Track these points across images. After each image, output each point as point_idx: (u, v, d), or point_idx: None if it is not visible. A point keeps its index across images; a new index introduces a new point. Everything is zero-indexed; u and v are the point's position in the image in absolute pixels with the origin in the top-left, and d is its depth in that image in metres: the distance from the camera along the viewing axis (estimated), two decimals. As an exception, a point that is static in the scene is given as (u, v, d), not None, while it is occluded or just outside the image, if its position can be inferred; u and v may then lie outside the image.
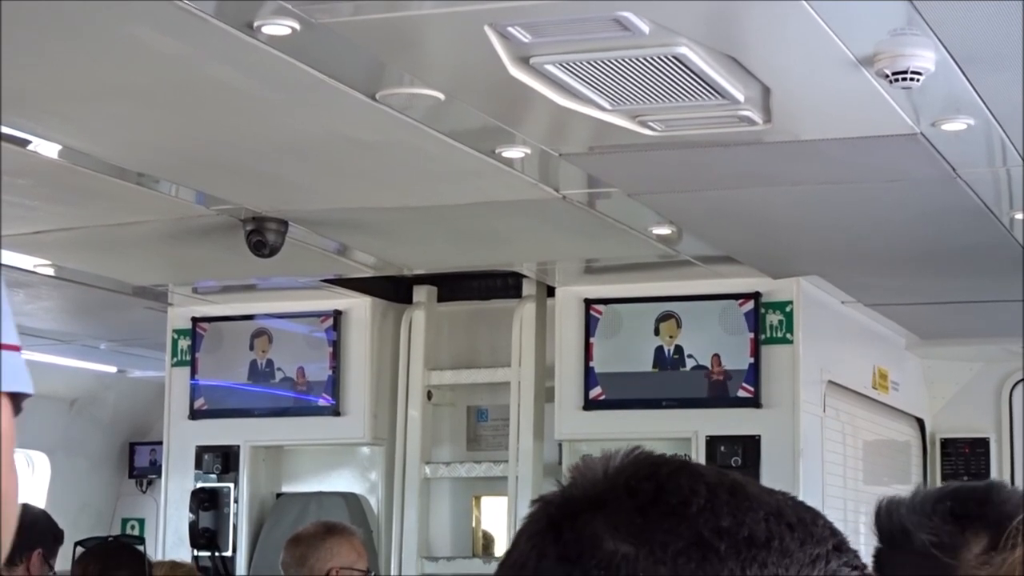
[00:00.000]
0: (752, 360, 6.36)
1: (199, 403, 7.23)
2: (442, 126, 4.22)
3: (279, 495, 7.30)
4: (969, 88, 3.83)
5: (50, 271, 6.40)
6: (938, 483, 7.98)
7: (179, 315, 7.29)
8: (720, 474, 1.13)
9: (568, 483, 1.15)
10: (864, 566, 1.12)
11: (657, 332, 6.49)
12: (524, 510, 1.20)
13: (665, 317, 6.48)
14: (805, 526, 1.10)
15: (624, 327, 6.55)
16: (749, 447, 6.33)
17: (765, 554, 1.08)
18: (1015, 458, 7.94)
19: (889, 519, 1.86)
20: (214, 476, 7.14)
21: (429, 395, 7.04)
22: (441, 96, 3.92)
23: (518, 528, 1.14)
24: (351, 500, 7.11)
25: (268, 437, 7.18)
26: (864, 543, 7.25)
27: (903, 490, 7.26)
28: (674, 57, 3.57)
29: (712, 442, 6.39)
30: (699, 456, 6.28)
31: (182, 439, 7.25)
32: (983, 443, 7.98)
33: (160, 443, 7.54)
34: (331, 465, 7.35)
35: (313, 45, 3.55)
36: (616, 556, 1.07)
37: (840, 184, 4.87)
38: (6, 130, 4.30)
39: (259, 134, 4.40)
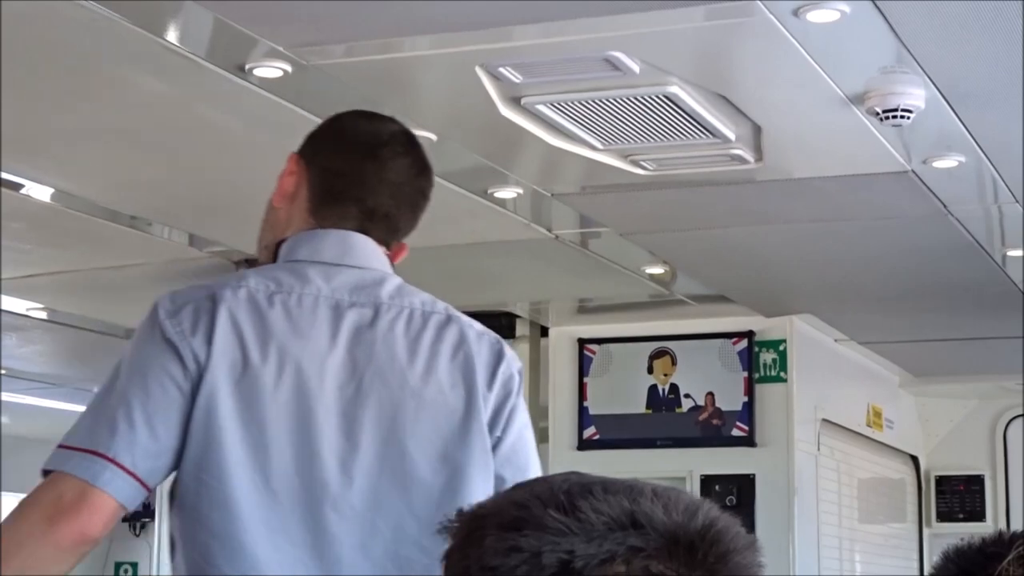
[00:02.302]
0: (746, 399, 6.35)
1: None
2: (434, 167, 4.21)
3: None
4: (960, 125, 3.84)
5: (43, 314, 6.39)
6: (933, 521, 7.96)
7: (172, 358, 7.26)
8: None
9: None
10: None
11: (651, 371, 6.49)
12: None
13: (659, 354, 6.48)
14: None
15: (618, 367, 6.54)
16: (744, 486, 6.32)
17: None
18: (1010, 495, 7.92)
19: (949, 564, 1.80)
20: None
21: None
22: (433, 137, 3.93)
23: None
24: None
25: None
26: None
27: (899, 528, 7.23)
28: (665, 96, 3.58)
29: (707, 481, 6.37)
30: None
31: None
32: (978, 480, 7.97)
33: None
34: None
35: (305, 87, 3.55)
36: None
37: (832, 222, 4.87)
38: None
39: (251, 176, 4.38)
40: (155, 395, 2.25)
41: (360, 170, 2.51)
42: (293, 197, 2.54)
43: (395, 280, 2.47)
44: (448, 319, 2.44)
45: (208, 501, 2.24)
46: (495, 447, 2.40)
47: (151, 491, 2.29)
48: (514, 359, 2.48)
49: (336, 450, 2.29)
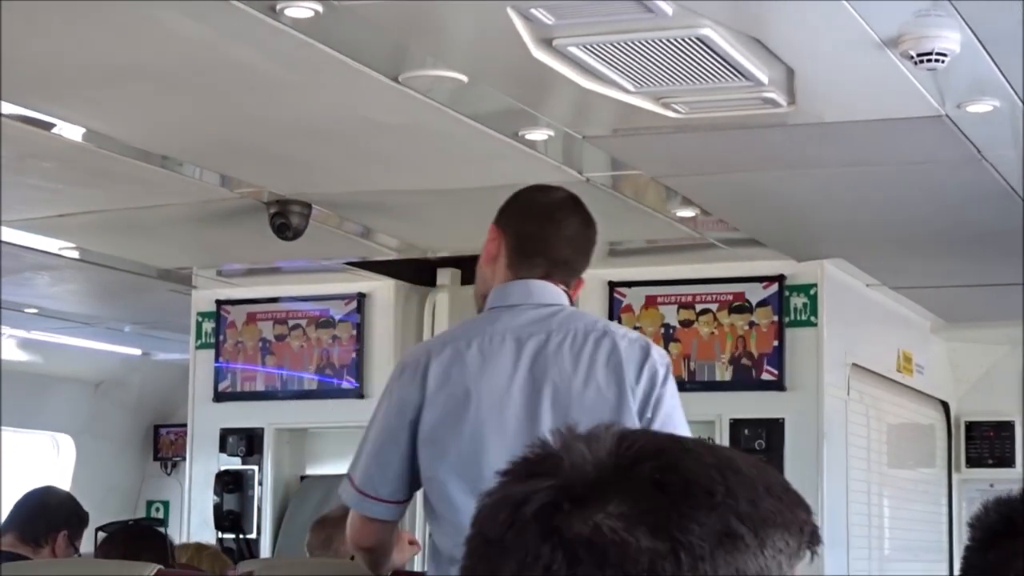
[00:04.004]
0: (776, 343, 6.35)
1: (223, 385, 7.25)
2: (465, 108, 4.22)
3: (303, 477, 7.31)
4: (994, 69, 3.81)
5: (75, 254, 6.42)
6: (963, 466, 7.96)
7: (203, 298, 7.30)
8: (715, 452, 1.13)
9: (560, 469, 1.11)
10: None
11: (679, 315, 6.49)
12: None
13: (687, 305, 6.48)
14: (786, 491, 1.13)
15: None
16: (773, 430, 6.32)
17: (773, 530, 1.09)
18: (1040, 441, 7.91)
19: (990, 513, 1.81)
20: (238, 458, 7.15)
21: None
22: (464, 78, 3.92)
23: (508, 519, 1.11)
24: (375, 482, 7.12)
25: (292, 420, 7.19)
26: (889, 525, 7.19)
27: (928, 473, 7.19)
28: (698, 39, 3.56)
29: (736, 425, 6.38)
30: (723, 439, 6.27)
31: (206, 422, 7.27)
32: (1008, 426, 7.95)
33: (185, 426, 7.57)
34: (355, 447, 7.32)
35: (336, 27, 3.55)
36: (655, 555, 1.05)
37: (865, 166, 4.85)
38: (31, 113, 4.31)
39: (282, 117, 4.40)
40: (383, 437, 3.32)
41: (544, 231, 3.30)
42: (495, 258, 3.33)
43: (567, 311, 3.28)
44: (604, 334, 3.21)
45: (435, 495, 3.22)
46: (647, 427, 3.02)
47: (406, 500, 3.33)
48: (661, 357, 3.20)
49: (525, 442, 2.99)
